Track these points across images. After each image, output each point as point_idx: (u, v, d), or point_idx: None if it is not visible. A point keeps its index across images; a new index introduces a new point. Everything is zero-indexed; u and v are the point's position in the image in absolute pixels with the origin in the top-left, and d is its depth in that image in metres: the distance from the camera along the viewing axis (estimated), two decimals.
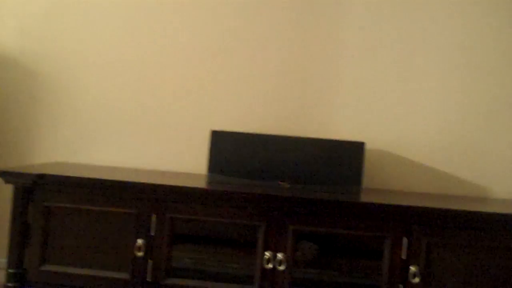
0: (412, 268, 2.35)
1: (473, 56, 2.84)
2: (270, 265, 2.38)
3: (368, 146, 2.72)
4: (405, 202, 2.54)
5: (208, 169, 2.63)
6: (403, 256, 2.36)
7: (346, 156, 2.62)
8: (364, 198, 2.55)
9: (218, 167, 2.63)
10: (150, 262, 2.43)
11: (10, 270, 2.48)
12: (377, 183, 2.84)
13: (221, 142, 2.64)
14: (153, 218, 2.43)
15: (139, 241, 2.43)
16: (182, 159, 2.93)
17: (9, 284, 2.46)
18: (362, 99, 2.88)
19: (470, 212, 2.41)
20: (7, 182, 2.45)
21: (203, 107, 2.93)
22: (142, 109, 2.95)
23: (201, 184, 2.55)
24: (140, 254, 2.43)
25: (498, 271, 2.35)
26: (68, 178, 2.46)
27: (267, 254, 2.38)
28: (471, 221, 2.36)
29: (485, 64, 2.84)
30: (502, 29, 2.82)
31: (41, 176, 2.45)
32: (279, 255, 2.38)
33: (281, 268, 2.37)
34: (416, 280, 2.34)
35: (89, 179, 2.45)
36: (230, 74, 2.92)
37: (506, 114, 2.85)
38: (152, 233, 2.43)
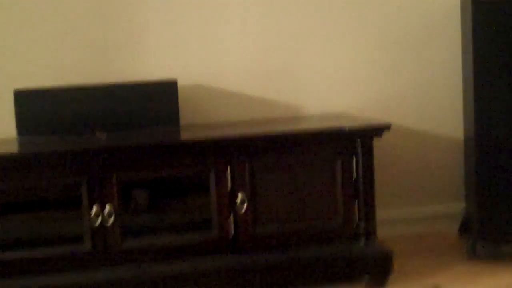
0: (239, 196, 2.42)
1: None
2: (99, 218, 2.33)
3: (181, 83, 2.71)
4: (223, 133, 2.60)
5: (18, 132, 2.50)
6: (229, 186, 2.42)
7: (160, 97, 2.60)
8: (183, 136, 2.57)
9: (28, 127, 2.50)
10: None
11: None
12: (196, 119, 2.84)
13: (27, 100, 2.51)
14: None
15: None
16: None
17: None
18: (170, 36, 2.84)
19: (284, 132, 2.52)
20: None
21: (3, 64, 2.74)
22: None
23: (12, 148, 2.42)
24: None
25: (320, 184, 2.48)
26: None
27: (95, 208, 2.33)
28: (287, 141, 2.46)
29: None
30: None
31: None
32: (107, 207, 2.34)
33: (111, 219, 2.34)
34: (244, 207, 2.42)
35: None
36: (29, 26, 2.75)
37: (313, 36, 2.95)
38: None
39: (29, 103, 2.51)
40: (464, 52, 2.84)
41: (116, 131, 2.55)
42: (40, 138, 2.51)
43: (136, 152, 2.37)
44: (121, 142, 2.44)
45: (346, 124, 2.49)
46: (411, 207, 3.07)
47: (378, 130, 2.48)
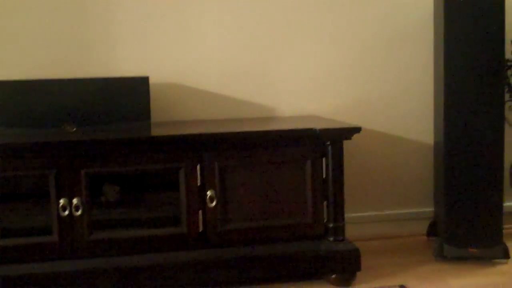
0: (209, 193, 2.42)
1: None
2: (66, 212, 2.32)
3: (153, 81, 2.70)
4: (194, 130, 2.60)
5: None
6: (199, 183, 2.42)
7: (131, 93, 2.59)
8: (154, 132, 2.57)
9: None
10: None
11: None
12: (167, 116, 2.84)
13: None
14: None
15: None
16: None
17: None
18: (143, 33, 2.84)
19: (255, 131, 2.53)
20: None
21: None
22: None
23: None
24: None
25: (290, 183, 2.49)
26: None
27: (62, 201, 2.32)
28: (258, 140, 2.47)
29: None
30: None
31: None
32: (75, 201, 2.33)
33: (78, 213, 2.33)
34: (214, 203, 2.42)
35: None
36: (2, 19, 2.74)
37: (289, 39, 2.96)
38: None
39: (0, 95, 2.49)
40: (435, 57, 2.88)
41: (86, 125, 2.54)
42: (10, 129, 2.50)
43: (105, 146, 2.36)
44: (91, 136, 2.43)
45: (318, 125, 2.51)
46: (380, 210, 3.09)
47: (349, 132, 2.50)
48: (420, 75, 3.04)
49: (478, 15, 2.64)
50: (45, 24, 2.77)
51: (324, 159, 2.49)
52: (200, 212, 2.42)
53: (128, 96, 2.58)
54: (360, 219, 3.02)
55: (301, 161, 2.49)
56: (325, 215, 2.51)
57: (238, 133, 2.49)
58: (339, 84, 3.02)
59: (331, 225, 2.49)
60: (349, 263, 2.48)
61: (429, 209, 3.04)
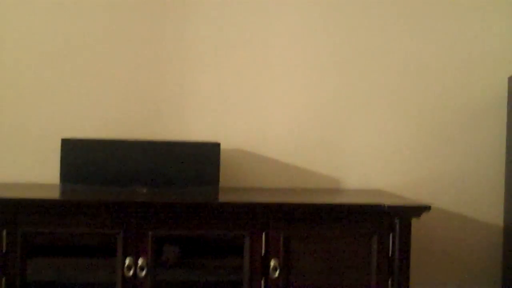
0: (272, 262, 2.40)
1: (324, 55, 2.95)
2: (131, 272, 2.34)
3: (223, 146, 2.74)
4: (261, 199, 2.61)
5: (61, 179, 2.54)
6: (263, 252, 2.41)
7: (202, 158, 2.63)
8: (222, 197, 2.59)
9: (71, 176, 2.55)
10: (3, 280, 2.31)
11: None
12: (235, 182, 2.86)
13: (73, 150, 2.56)
14: (4, 233, 2.31)
15: None
16: (33, 169, 2.80)
17: None
18: (216, 100, 2.90)
19: (323, 204, 2.51)
20: None
21: (53, 112, 2.83)
22: None
23: (54, 195, 2.47)
24: None
25: (355, 259, 2.45)
26: None
27: (128, 260, 2.35)
28: (325, 212, 2.45)
29: (335, 63, 2.95)
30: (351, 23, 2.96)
31: None
32: (140, 261, 2.35)
33: (143, 273, 2.34)
34: (277, 273, 2.39)
35: None
36: (80, 77, 2.84)
37: (360, 111, 2.97)
38: (4, 250, 2.31)
39: (74, 152, 2.56)
40: (508, 135, 2.84)
41: (156, 187, 2.58)
42: (82, 187, 2.55)
43: (174, 209, 2.39)
44: (160, 198, 2.47)
45: (386, 201, 2.48)
46: None
47: (418, 210, 2.46)
48: (491, 153, 2.99)
49: None
50: (121, 83, 2.87)
51: (391, 236, 2.45)
52: (263, 281, 2.41)
53: (199, 161, 2.62)
54: None
55: (367, 237, 2.45)
56: None
57: (305, 204, 2.49)
58: (407, 159, 2.99)
59: None
60: None
61: None
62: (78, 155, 2.57)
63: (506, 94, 2.88)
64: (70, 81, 2.84)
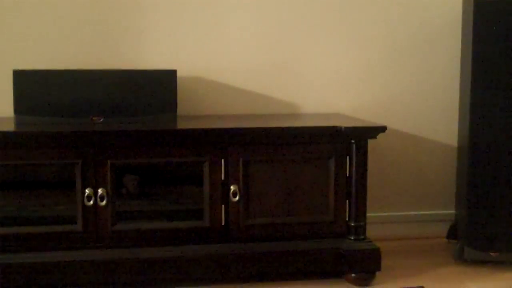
0: (232, 188, 2.43)
1: None
2: (91, 202, 2.35)
3: (181, 74, 2.72)
4: (220, 124, 2.61)
5: (15, 111, 2.50)
6: (222, 177, 2.44)
7: (159, 86, 2.61)
8: (180, 125, 2.58)
9: (26, 108, 2.50)
10: None
11: None
12: (194, 110, 2.86)
13: (26, 81, 2.51)
14: None
15: None
16: None
17: None
18: (172, 27, 2.85)
19: (281, 128, 2.53)
20: None
21: (3, 44, 2.75)
22: None
23: (9, 127, 2.43)
24: None
25: (313, 181, 2.50)
26: None
27: (87, 191, 2.35)
28: (283, 136, 2.47)
29: None
30: None
31: None
32: (100, 191, 2.35)
33: (103, 203, 2.35)
34: (237, 198, 2.43)
35: None
36: (32, 7, 2.76)
37: (316, 36, 2.96)
38: None
39: (28, 84, 2.51)
40: (463, 57, 2.87)
41: (113, 117, 2.56)
42: (37, 118, 2.51)
43: (131, 138, 2.38)
44: (117, 127, 2.45)
45: (342, 123, 2.51)
46: (401, 210, 3.09)
47: (373, 132, 2.51)
48: (446, 76, 3.03)
49: (508, 14, 2.62)
50: (74, 14, 2.79)
51: (348, 158, 2.49)
52: (223, 206, 2.44)
53: (156, 89, 2.60)
54: (381, 219, 3.01)
55: (325, 159, 2.49)
56: (347, 214, 2.51)
57: (263, 128, 2.50)
58: (364, 83, 3.01)
59: (352, 224, 2.50)
60: (369, 263, 2.48)
61: (450, 211, 3.02)
62: (31, 86, 2.52)
63: (460, 15, 2.89)
64: (22, 12, 2.76)
